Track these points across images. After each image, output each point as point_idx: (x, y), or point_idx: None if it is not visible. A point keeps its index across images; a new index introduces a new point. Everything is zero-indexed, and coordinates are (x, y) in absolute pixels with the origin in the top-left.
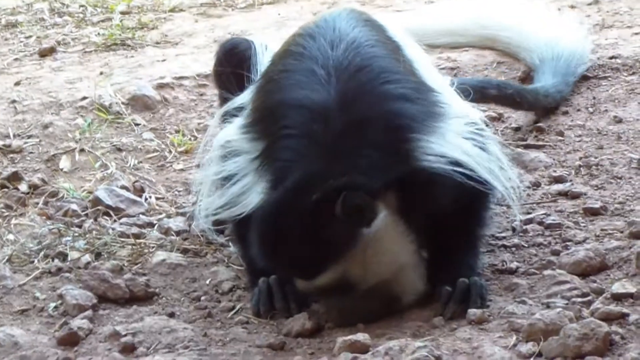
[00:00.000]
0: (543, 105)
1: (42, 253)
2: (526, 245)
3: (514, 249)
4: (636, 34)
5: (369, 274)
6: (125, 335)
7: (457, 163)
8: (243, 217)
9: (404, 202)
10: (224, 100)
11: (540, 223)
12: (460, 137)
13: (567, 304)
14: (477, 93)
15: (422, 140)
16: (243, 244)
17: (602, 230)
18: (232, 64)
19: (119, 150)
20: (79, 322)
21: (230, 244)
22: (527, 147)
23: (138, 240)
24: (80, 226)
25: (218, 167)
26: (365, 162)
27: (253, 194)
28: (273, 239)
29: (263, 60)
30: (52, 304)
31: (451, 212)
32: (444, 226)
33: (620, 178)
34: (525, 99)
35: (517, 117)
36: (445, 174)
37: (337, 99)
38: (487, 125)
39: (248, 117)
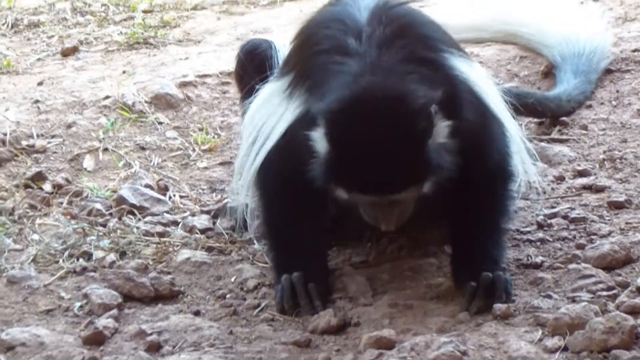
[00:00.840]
0: (566, 110)
1: (66, 253)
2: (551, 240)
3: (538, 243)
4: None
5: (436, 186)
6: (151, 334)
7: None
8: (278, 179)
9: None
10: (244, 101)
11: (565, 217)
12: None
13: (592, 297)
14: None
15: (453, 58)
16: (272, 235)
17: (626, 223)
18: (254, 65)
19: (143, 149)
20: (104, 322)
21: (255, 241)
22: (551, 141)
23: (162, 239)
24: (104, 225)
25: (252, 124)
26: (418, 76)
27: (286, 116)
28: (358, 150)
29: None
30: (78, 304)
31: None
32: (467, 217)
33: None
34: (547, 107)
35: None
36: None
37: (372, 22)
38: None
39: (278, 70)
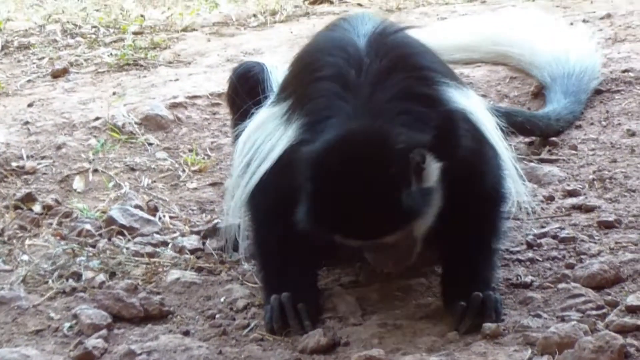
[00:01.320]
0: (555, 129)
1: (56, 273)
2: (540, 259)
3: (528, 262)
4: None
5: (425, 228)
6: (141, 354)
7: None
8: (270, 201)
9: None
10: (236, 124)
11: (555, 237)
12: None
13: (581, 317)
14: None
15: (449, 90)
16: (262, 255)
17: (616, 243)
18: (246, 88)
19: (133, 170)
20: (94, 342)
21: (245, 261)
22: (540, 161)
23: (152, 259)
24: (94, 246)
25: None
26: (409, 117)
27: (282, 141)
28: (336, 195)
29: (276, 81)
30: (67, 324)
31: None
32: (459, 239)
33: (634, 191)
34: (536, 126)
35: None
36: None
37: (370, 53)
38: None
39: (276, 94)
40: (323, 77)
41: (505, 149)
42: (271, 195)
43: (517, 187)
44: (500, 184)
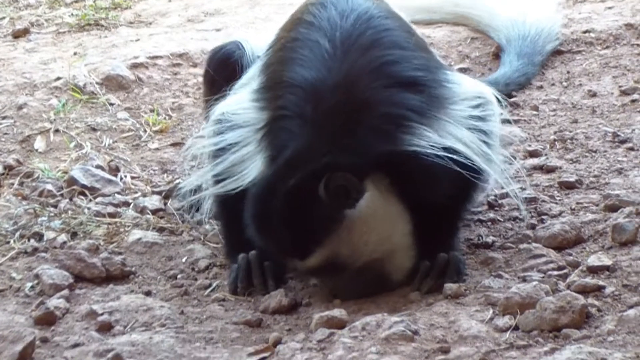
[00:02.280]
0: (505, 94)
1: (17, 233)
2: (502, 220)
3: (489, 223)
4: (609, 7)
5: (357, 254)
6: (102, 314)
7: (452, 150)
8: (235, 192)
9: (394, 184)
10: (211, 104)
11: (516, 197)
12: (462, 125)
13: (543, 277)
14: None
15: (419, 128)
16: (225, 217)
17: (577, 203)
18: (226, 74)
19: (94, 130)
20: (55, 302)
21: (208, 220)
22: (502, 122)
23: (114, 220)
24: (55, 206)
25: (217, 139)
26: (353, 141)
27: (252, 166)
28: (263, 218)
29: (255, 60)
30: (29, 284)
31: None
32: (429, 203)
33: (595, 151)
34: None
35: None
36: (436, 161)
37: (336, 79)
38: (498, 101)
39: (256, 87)
40: (284, 116)
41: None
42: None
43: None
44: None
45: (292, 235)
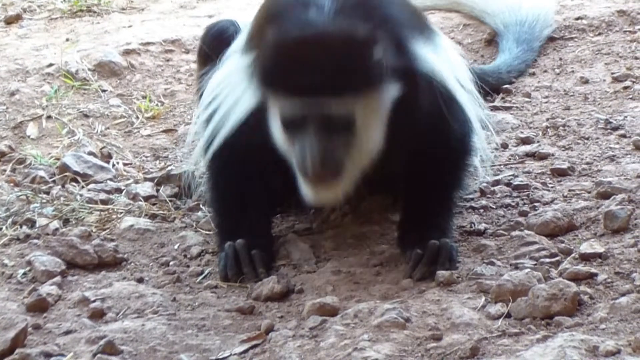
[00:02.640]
0: (506, 82)
1: (10, 220)
2: (494, 207)
3: (482, 210)
4: None
5: (364, 123)
6: (94, 301)
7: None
8: (229, 152)
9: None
10: (202, 81)
11: (508, 184)
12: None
13: (535, 264)
14: None
15: (417, 45)
16: (219, 201)
17: (569, 190)
18: (219, 50)
19: (86, 116)
20: (47, 289)
21: (201, 206)
22: (494, 108)
23: (106, 206)
24: (48, 193)
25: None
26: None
27: (245, 100)
28: (308, 43)
29: None
30: (21, 271)
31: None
32: (420, 187)
33: (587, 138)
34: (486, 82)
35: None
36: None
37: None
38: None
39: (242, 45)
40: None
41: (474, 100)
42: (231, 148)
43: (481, 142)
44: (468, 136)
45: (342, 67)
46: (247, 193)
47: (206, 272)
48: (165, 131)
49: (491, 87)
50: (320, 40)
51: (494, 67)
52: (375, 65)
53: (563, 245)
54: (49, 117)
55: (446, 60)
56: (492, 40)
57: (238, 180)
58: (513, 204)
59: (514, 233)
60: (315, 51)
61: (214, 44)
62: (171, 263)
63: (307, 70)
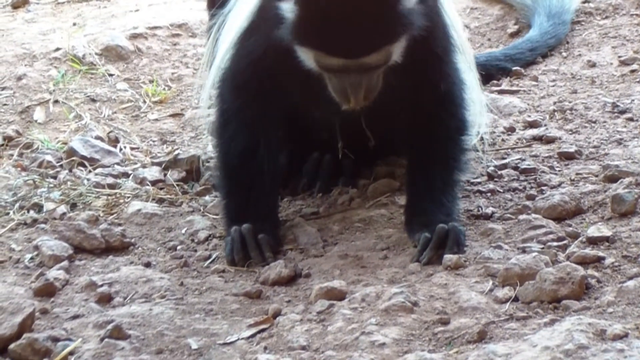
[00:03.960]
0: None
1: (17, 204)
2: (501, 191)
3: (489, 194)
4: None
5: (395, 58)
6: (102, 285)
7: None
8: (242, 84)
9: None
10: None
11: (515, 168)
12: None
13: (542, 248)
14: None
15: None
16: (225, 185)
17: (577, 174)
18: None
19: (93, 101)
20: (55, 273)
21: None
22: (501, 92)
23: (113, 191)
24: (55, 177)
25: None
26: None
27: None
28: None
29: None
30: (28, 255)
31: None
32: (422, 170)
33: (594, 122)
34: (520, 61)
35: None
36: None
37: None
38: None
39: None
40: None
41: (472, 79)
42: (242, 77)
43: (480, 120)
44: (463, 115)
45: (379, 26)
46: (253, 176)
47: (214, 256)
48: (173, 115)
49: (522, 65)
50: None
51: (524, 46)
52: (407, 13)
53: (570, 229)
54: (56, 101)
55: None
56: (499, 22)
57: (245, 153)
58: (520, 187)
59: (521, 217)
60: (352, 11)
61: None
62: (178, 247)
63: (346, 34)
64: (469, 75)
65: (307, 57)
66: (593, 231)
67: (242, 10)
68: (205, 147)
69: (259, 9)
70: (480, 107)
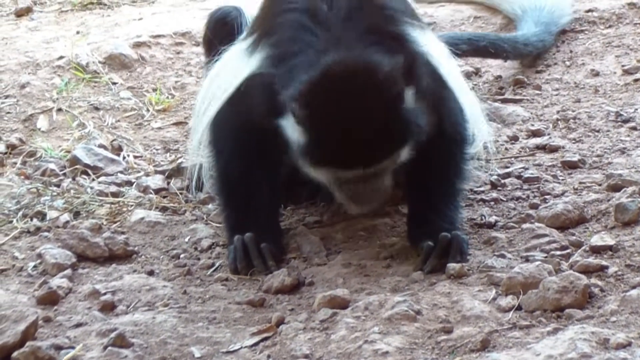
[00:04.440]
0: (523, 53)
1: (20, 213)
2: (505, 199)
3: (492, 202)
4: None
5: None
6: (105, 293)
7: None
8: (232, 131)
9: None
10: (208, 68)
11: (519, 177)
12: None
13: (546, 257)
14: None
15: (413, 30)
16: (225, 193)
17: (580, 183)
18: (223, 33)
19: (97, 109)
20: (58, 281)
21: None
22: (504, 101)
23: (116, 199)
24: (58, 185)
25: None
26: (380, 48)
27: (244, 70)
28: (337, 128)
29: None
30: (32, 264)
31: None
32: (424, 179)
33: (597, 131)
34: (501, 49)
35: (495, 71)
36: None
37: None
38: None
39: (246, 31)
40: (292, 9)
41: (467, 89)
42: (233, 126)
43: (479, 128)
44: (461, 125)
45: (385, 130)
46: (253, 184)
47: (217, 264)
48: (176, 124)
49: (507, 54)
50: (358, 111)
51: (510, 36)
52: (409, 118)
53: (574, 237)
54: (59, 109)
55: (437, 49)
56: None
57: (243, 169)
58: (524, 196)
59: (524, 225)
60: (360, 126)
61: (217, 27)
62: (182, 256)
63: (360, 148)
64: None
65: (319, 173)
66: (596, 240)
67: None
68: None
69: (245, 82)
70: (479, 115)
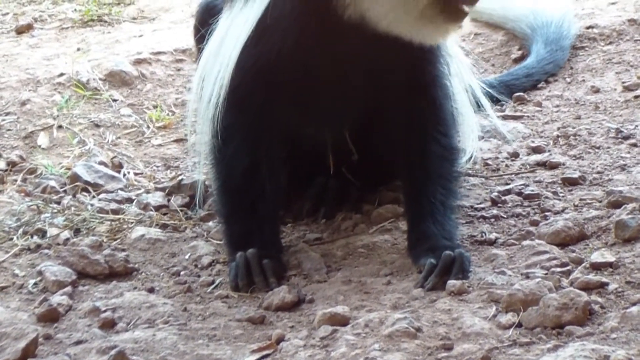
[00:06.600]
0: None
1: (21, 230)
2: (505, 216)
3: (492, 219)
4: (612, 3)
5: None
6: (105, 310)
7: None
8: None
9: None
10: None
11: (519, 193)
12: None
13: (546, 274)
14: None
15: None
16: (226, 209)
17: (580, 200)
18: (211, 19)
19: (97, 126)
20: (58, 299)
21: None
22: (505, 117)
23: (117, 216)
24: (58, 202)
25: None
26: None
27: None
28: None
29: None
30: (32, 281)
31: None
32: (421, 194)
33: (598, 148)
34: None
35: None
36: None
37: None
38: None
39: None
40: None
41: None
42: (246, 89)
43: (476, 144)
44: (455, 136)
45: None
46: (254, 202)
47: (217, 282)
48: (176, 141)
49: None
50: None
51: (513, 77)
52: None
53: (574, 254)
54: (59, 126)
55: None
56: (503, 47)
57: (246, 182)
58: (524, 213)
59: (524, 242)
60: None
61: (204, 16)
62: (182, 273)
63: None
64: (462, 97)
65: None
66: (597, 257)
67: (245, 18)
68: (208, 173)
69: (270, 6)
70: (475, 130)
